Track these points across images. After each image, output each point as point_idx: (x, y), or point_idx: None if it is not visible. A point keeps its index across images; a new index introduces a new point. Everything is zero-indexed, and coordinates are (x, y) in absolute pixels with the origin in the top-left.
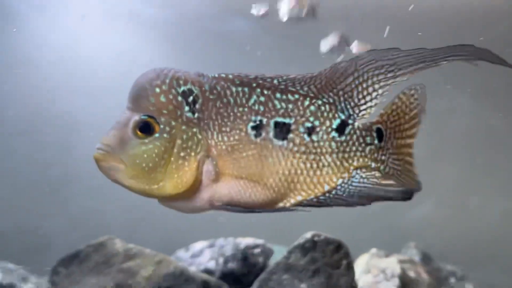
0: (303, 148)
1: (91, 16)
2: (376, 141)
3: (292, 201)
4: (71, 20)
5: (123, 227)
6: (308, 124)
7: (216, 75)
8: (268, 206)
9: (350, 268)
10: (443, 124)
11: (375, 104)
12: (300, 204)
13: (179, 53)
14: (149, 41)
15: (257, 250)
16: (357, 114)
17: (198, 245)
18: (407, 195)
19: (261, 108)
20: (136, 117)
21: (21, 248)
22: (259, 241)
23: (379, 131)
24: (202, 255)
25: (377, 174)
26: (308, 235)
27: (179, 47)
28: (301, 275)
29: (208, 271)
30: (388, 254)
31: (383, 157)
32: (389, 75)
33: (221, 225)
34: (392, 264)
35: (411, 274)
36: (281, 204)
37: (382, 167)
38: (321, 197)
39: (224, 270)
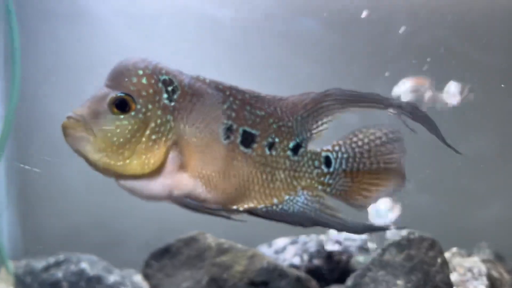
0: (263, 160)
1: (162, 16)
2: (323, 166)
3: (245, 206)
4: (144, 21)
5: (196, 223)
6: (270, 140)
7: (195, 76)
8: (223, 206)
9: (444, 265)
10: None
11: (322, 131)
12: (249, 211)
13: (249, 53)
14: (219, 41)
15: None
16: (309, 139)
17: (281, 242)
18: (353, 231)
19: (233, 114)
20: (114, 94)
21: (98, 242)
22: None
23: (327, 157)
24: (286, 251)
25: (323, 198)
26: (404, 232)
27: (249, 48)
28: (397, 272)
29: (293, 267)
30: (470, 253)
31: (330, 181)
32: (336, 111)
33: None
34: (477, 263)
35: (494, 273)
36: (235, 207)
37: (328, 190)
38: (269, 208)
39: (309, 266)
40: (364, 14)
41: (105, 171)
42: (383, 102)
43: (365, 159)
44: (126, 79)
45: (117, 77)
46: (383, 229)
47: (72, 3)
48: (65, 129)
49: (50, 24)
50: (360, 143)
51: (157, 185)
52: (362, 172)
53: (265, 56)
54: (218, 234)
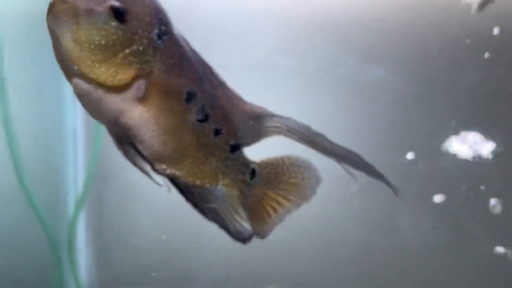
0: (205, 140)
1: (227, 66)
2: (247, 176)
3: (169, 171)
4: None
5: (266, 261)
6: (219, 127)
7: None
8: (152, 159)
9: None
10: None
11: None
12: (172, 177)
13: (315, 101)
14: (285, 89)
15: None
16: (246, 146)
17: None
18: (239, 238)
19: (201, 87)
20: (115, 2)
21: (169, 279)
22: None
23: (253, 170)
24: None
25: (235, 202)
26: None
27: (315, 96)
28: None
29: None
30: None
31: (245, 191)
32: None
33: None
34: None
35: None
36: (163, 166)
37: (242, 198)
38: (189, 185)
39: None
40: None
41: (68, 64)
42: (327, 148)
43: (282, 186)
44: (136, 6)
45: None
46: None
47: None
48: (52, 7)
49: None
50: (282, 171)
51: (110, 102)
52: (274, 198)
53: (331, 103)
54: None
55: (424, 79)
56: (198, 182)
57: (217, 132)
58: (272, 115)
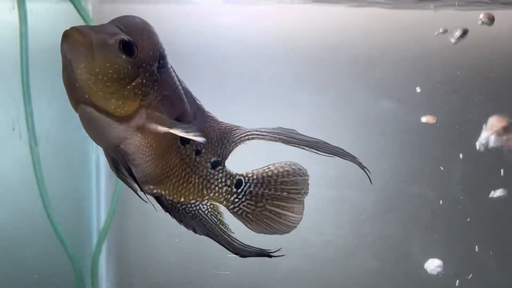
0: (187, 160)
1: (243, 95)
2: (233, 186)
3: (155, 190)
4: (226, 98)
5: None
6: (199, 148)
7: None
8: (143, 180)
9: None
10: None
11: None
12: (158, 197)
13: (328, 133)
14: (295, 120)
15: None
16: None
17: None
18: (237, 252)
19: (187, 114)
20: (125, 36)
21: None
22: None
23: (239, 180)
24: None
25: (221, 215)
26: None
27: (328, 128)
28: None
29: None
30: None
31: (235, 200)
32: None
33: None
34: None
35: None
36: (150, 187)
37: (231, 207)
38: (175, 203)
39: None
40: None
41: (79, 91)
42: (297, 140)
43: (271, 185)
44: (138, 31)
45: (131, 25)
46: (267, 255)
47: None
48: (69, 36)
49: None
50: (270, 173)
51: (114, 130)
52: (266, 197)
53: (344, 134)
54: None
55: (431, 111)
56: (182, 199)
57: (197, 152)
58: (246, 133)
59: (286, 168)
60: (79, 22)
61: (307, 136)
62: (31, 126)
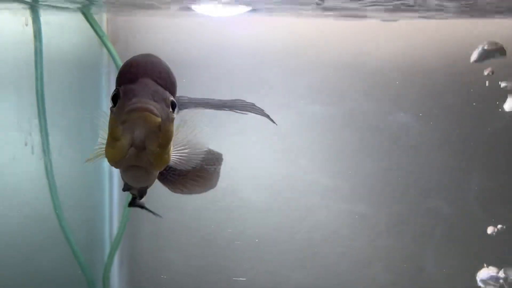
0: None
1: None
2: None
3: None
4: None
5: None
6: None
7: None
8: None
9: None
10: None
11: None
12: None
13: (341, 146)
14: (311, 133)
15: None
16: None
17: None
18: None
19: None
20: (170, 96)
21: None
22: None
23: None
24: None
25: None
26: None
27: (341, 141)
28: None
29: None
30: None
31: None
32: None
33: None
34: None
35: None
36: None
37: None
38: None
39: None
40: None
41: (144, 163)
42: (218, 103)
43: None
44: (172, 85)
45: (167, 78)
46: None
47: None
48: (147, 119)
49: None
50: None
51: (155, 176)
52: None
53: (357, 147)
54: None
55: (448, 125)
56: None
57: None
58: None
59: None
60: (93, 34)
61: (227, 99)
62: (45, 138)
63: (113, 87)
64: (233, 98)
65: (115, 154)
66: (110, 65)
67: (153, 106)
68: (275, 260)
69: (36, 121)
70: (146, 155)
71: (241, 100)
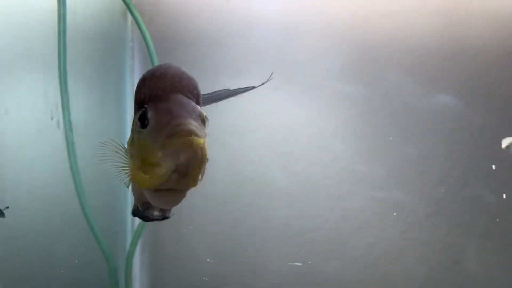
0: None
1: (286, 86)
2: None
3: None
4: (267, 91)
5: None
6: None
7: None
8: None
9: None
10: None
11: None
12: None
13: (376, 129)
14: (347, 115)
15: None
16: None
17: None
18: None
19: None
20: (202, 110)
21: None
22: None
23: None
24: None
25: None
26: None
27: (377, 123)
28: None
29: None
30: None
31: None
32: None
33: None
34: None
35: None
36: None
37: None
38: None
39: None
40: None
41: (192, 184)
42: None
43: None
44: (198, 94)
45: (196, 92)
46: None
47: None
48: (194, 144)
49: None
50: None
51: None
52: None
53: (392, 130)
54: None
55: (491, 109)
56: None
57: None
58: None
59: None
60: (120, 7)
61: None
62: (68, 116)
63: (138, 62)
64: (262, 78)
65: (154, 182)
66: (134, 40)
67: (195, 127)
68: (301, 250)
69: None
70: (187, 178)
71: (227, 89)
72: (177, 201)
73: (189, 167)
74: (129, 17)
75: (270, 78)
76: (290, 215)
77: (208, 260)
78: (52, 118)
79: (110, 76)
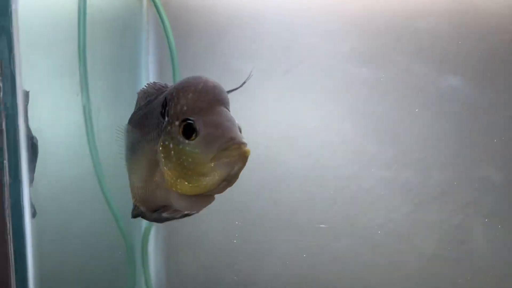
0: None
1: (298, 73)
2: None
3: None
4: (277, 75)
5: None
6: None
7: None
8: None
9: None
10: None
11: None
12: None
13: (384, 110)
14: (354, 96)
15: None
16: None
17: None
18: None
19: None
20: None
21: (232, 283)
22: None
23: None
24: None
25: None
26: None
27: (385, 104)
28: None
29: None
30: None
31: None
32: None
33: None
34: None
35: None
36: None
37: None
38: None
39: None
40: None
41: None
42: None
43: None
44: (229, 104)
45: (228, 101)
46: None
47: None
48: (247, 155)
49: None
50: None
51: None
52: None
53: (401, 111)
54: None
55: (498, 90)
56: None
57: None
58: None
59: None
60: None
61: None
62: (86, 96)
63: (153, 48)
64: (273, 61)
65: (201, 190)
66: (150, 22)
67: (244, 139)
68: (309, 232)
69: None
70: (230, 185)
71: None
72: (207, 205)
73: (237, 176)
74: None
75: (250, 75)
76: (300, 197)
77: (219, 240)
78: (77, 95)
79: (126, 57)
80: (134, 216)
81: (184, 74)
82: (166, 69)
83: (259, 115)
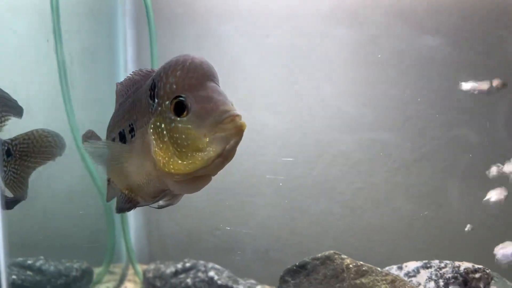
0: None
1: (273, 36)
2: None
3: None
4: (259, 39)
5: (312, 236)
6: None
7: None
8: None
9: None
10: None
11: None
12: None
13: (364, 73)
14: (333, 57)
15: (477, 275)
16: None
17: (412, 265)
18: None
19: None
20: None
21: (214, 248)
22: (479, 266)
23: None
24: (419, 275)
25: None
26: None
27: (365, 67)
28: None
29: None
30: None
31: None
32: None
33: None
34: None
35: None
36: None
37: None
38: None
39: None
40: None
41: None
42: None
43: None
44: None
45: (217, 77)
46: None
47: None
48: (244, 127)
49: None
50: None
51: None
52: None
53: (381, 74)
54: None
55: (479, 49)
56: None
57: None
58: None
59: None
60: None
61: None
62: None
63: (130, 35)
64: (286, 47)
65: (196, 167)
66: (126, 13)
67: (237, 110)
68: (289, 195)
69: None
70: (226, 163)
71: None
72: (204, 186)
73: (233, 151)
74: None
75: None
76: (279, 162)
77: (201, 205)
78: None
79: (101, 48)
80: (128, 208)
81: (161, 34)
82: (143, 33)
83: (240, 81)
